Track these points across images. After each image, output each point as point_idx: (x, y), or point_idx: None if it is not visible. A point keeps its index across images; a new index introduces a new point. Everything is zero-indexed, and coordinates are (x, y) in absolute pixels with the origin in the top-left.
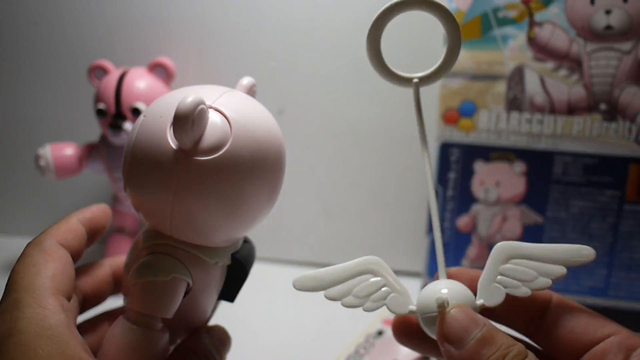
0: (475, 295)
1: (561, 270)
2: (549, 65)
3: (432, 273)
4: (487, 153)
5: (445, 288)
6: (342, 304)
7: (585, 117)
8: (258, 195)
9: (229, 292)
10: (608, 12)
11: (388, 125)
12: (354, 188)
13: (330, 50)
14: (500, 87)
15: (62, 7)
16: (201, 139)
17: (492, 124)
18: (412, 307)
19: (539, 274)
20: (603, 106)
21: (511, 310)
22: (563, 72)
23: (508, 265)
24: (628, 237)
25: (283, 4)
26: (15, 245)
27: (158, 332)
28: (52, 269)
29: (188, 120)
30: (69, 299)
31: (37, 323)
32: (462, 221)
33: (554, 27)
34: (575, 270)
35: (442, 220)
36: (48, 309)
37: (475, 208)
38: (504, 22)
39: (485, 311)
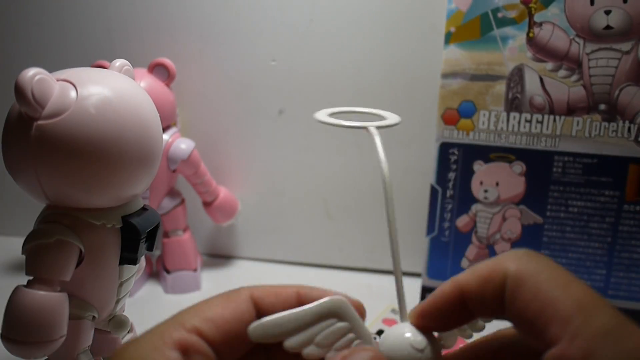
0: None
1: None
2: (549, 65)
3: (432, 274)
4: (486, 153)
5: (410, 332)
6: (304, 355)
7: (585, 118)
8: (114, 156)
9: (127, 254)
10: (607, 12)
11: None
12: (354, 188)
13: (329, 50)
14: (500, 88)
15: (62, 8)
16: (47, 106)
17: (491, 124)
18: None
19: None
20: (602, 106)
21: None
22: (563, 72)
23: None
24: (627, 237)
25: (283, 5)
26: (15, 245)
27: (54, 294)
28: None
29: (26, 90)
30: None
31: None
32: (462, 221)
33: (553, 28)
34: (575, 270)
35: (441, 220)
36: None
37: (475, 208)
38: (503, 22)
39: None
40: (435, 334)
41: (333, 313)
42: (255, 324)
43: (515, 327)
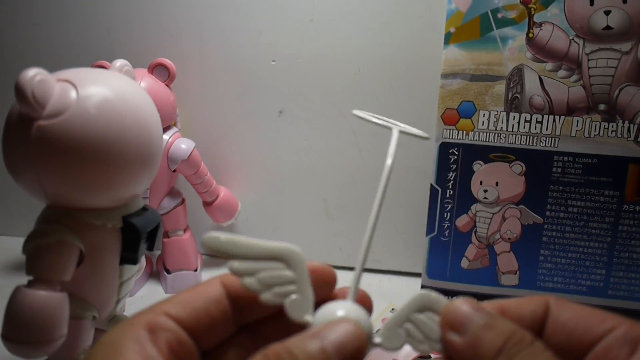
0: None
1: None
2: (548, 65)
3: (431, 273)
4: (486, 153)
5: (344, 310)
6: (242, 283)
7: (585, 118)
8: (114, 157)
9: (127, 254)
10: (607, 12)
11: None
12: (354, 188)
13: (329, 50)
14: (500, 88)
15: (62, 8)
16: (47, 107)
17: (491, 124)
18: (309, 318)
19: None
20: (602, 106)
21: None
22: (562, 72)
23: (421, 316)
24: (627, 237)
25: (283, 5)
26: (15, 245)
27: (55, 294)
28: None
29: (26, 90)
30: None
31: None
32: (462, 221)
33: (553, 28)
34: (575, 270)
35: (441, 220)
36: None
37: (475, 208)
38: (503, 22)
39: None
40: (377, 330)
41: (284, 259)
42: (212, 234)
43: (555, 336)
